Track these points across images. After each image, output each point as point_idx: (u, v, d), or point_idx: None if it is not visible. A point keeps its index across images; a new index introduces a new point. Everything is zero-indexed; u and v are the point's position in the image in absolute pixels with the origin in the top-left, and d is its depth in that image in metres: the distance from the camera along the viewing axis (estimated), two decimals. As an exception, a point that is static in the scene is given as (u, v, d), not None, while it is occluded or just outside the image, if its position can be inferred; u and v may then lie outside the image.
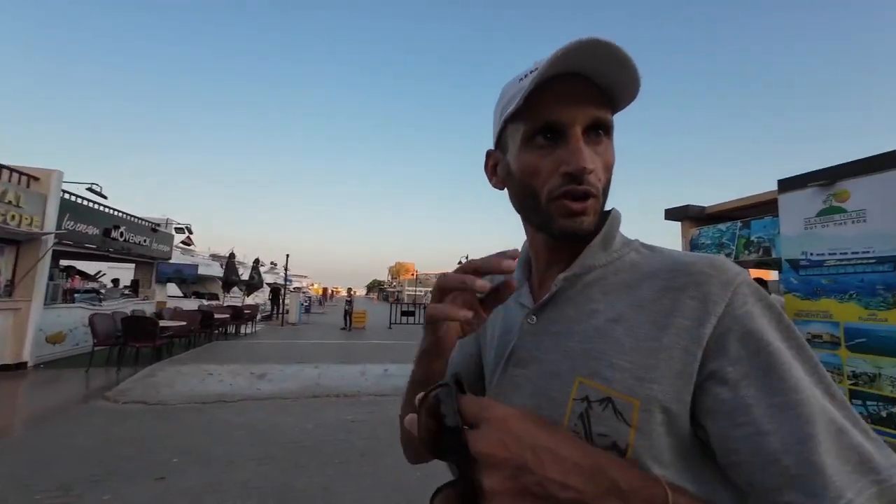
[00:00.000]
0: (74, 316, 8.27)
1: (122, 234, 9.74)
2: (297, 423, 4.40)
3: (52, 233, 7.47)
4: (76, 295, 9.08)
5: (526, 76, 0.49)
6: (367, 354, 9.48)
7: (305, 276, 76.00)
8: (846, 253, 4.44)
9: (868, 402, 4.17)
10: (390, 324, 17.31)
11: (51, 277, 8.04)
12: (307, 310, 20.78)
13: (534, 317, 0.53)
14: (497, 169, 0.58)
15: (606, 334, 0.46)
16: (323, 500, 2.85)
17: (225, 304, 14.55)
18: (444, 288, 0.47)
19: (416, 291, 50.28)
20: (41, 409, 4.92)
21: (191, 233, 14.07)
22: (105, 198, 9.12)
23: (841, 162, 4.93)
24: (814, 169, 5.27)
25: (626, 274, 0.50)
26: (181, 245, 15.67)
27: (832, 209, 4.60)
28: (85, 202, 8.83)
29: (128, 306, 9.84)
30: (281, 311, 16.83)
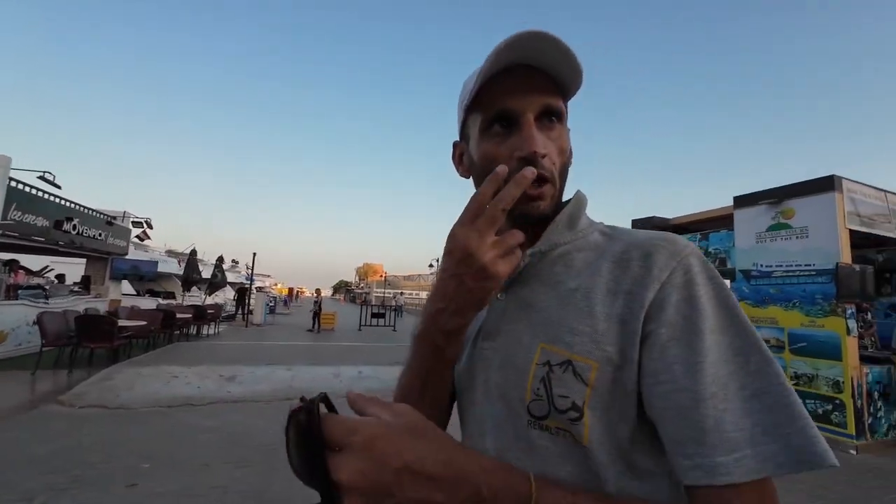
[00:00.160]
0: (17, 314, 7.63)
1: (74, 226, 9.11)
2: (272, 427, 4.32)
3: (-5, 224, 6.91)
4: (19, 291, 8.41)
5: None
6: (339, 356, 9.35)
7: (268, 276, 73.37)
8: (791, 265, 4.93)
9: (807, 401, 4.63)
10: (360, 326, 17.10)
11: (-10, 272, 7.42)
12: (272, 310, 20.11)
13: (502, 294, 0.55)
14: (463, 158, 0.60)
15: (568, 303, 0.48)
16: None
17: (185, 304, 13.85)
18: (485, 212, 0.43)
19: (384, 293, 49.75)
20: (-15, 415, 4.54)
21: (150, 227, 13.32)
22: (59, 187, 8.50)
23: (790, 182, 5.45)
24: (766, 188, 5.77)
25: (589, 251, 0.53)
26: (135, 240, 14.81)
27: (780, 225, 5.10)
28: (35, 192, 8.20)
29: (79, 304, 9.19)
30: (246, 311, 16.21)
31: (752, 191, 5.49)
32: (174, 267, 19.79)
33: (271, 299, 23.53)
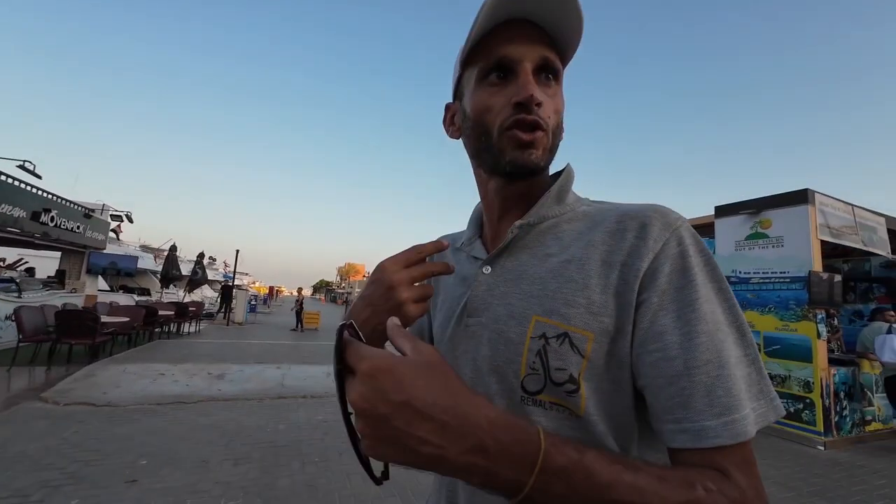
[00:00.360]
0: (-11, 308, 7.33)
1: (52, 218, 8.78)
2: (268, 424, 4.31)
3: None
4: (-9, 284, 8.06)
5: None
6: (326, 355, 9.30)
7: (247, 274, 71.71)
8: (767, 273, 5.24)
9: (780, 401, 4.91)
10: (344, 325, 16.96)
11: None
12: (253, 309, 19.72)
13: (488, 266, 0.55)
14: (455, 118, 0.60)
15: (561, 275, 0.48)
16: (311, 498, 2.88)
17: (164, 301, 13.46)
18: (401, 279, 0.49)
19: (367, 293, 49.06)
20: (-39, 412, 4.36)
21: (130, 221, 12.90)
22: (39, 177, 8.17)
23: (768, 194, 5.76)
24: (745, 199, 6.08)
25: (578, 223, 0.53)
26: (111, 234, 14.30)
27: (757, 234, 5.41)
28: (13, 181, 7.87)
29: (52, 299, 8.85)
30: (229, 309, 15.88)
31: (733, 201, 5.80)
32: (149, 263, 19.18)
33: (253, 297, 23.08)
